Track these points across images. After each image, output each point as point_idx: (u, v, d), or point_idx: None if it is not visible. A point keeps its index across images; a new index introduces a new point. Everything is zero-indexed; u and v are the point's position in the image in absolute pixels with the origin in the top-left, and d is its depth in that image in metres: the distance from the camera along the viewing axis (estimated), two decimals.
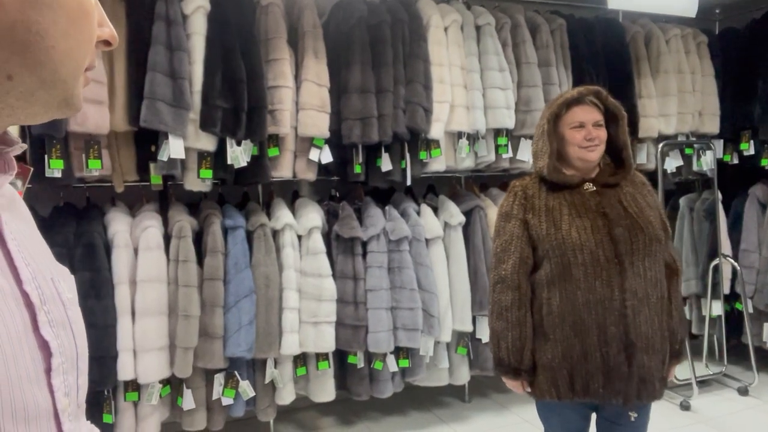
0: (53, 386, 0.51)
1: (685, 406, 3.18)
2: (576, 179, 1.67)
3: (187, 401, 2.52)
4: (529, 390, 1.71)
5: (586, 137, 1.64)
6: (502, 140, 3.03)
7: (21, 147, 0.54)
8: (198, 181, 2.52)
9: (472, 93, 2.93)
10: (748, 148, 3.55)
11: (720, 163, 3.67)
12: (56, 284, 0.57)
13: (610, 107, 1.70)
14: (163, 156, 2.39)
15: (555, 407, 1.72)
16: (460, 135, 2.96)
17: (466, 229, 2.99)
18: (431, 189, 3.26)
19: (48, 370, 0.51)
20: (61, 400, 0.52)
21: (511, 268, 1.67)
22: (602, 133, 1.67)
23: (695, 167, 3.61)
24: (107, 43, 0.56)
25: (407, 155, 2.86)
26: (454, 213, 2.95)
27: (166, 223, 2.53)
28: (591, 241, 1.57)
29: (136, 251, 2.43)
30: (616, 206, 1.62)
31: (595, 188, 1.66)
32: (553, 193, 1.68)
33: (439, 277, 2.89)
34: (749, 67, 3.51)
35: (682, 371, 3.31)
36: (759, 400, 3.26)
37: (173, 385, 2.55)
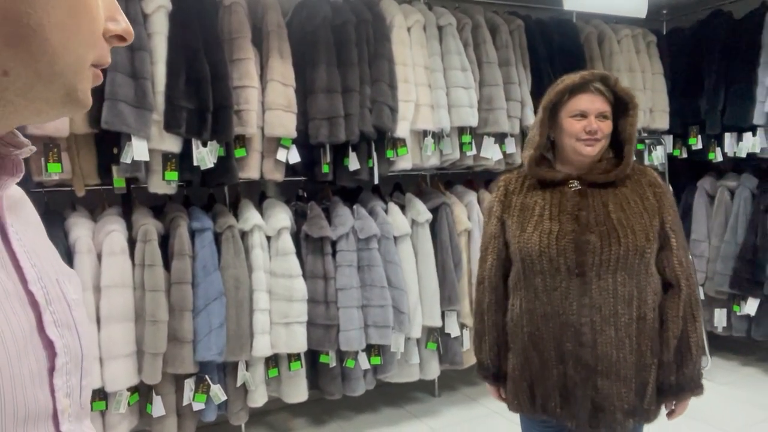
0: (55, 386, 0.51)
1: None
2: (560, 176, 1.48)
3: (157, 408, 2.47)
4: (505, 397, 1.63)
5: (586, 129, 1.43)
6: (466, 138, 3.09)
7: (30, 150, 0.53)
8: (163, 184, 2.47)
9: (436, 92, 2.98)
10: (696, 143, 3.73)
11: (670, 158, 3.84)
12: (61, 285, 0.57)
13: (620, 95, 1.46)
14: (126, 158, 2.33)
15: (533, 423, 1.60)
16: (425, 133, 3.00)
17: (433, 226, 3.04)
18: (398, 187, 3.30)
19: (51, 370, 0.51)
20: (61, 401, 0.52)
21: (489, 269, 1.59)
22: (606, 127, 1.45)
23: (647, 162, 3.76)
24: (121, 38, 0.54)
25: (374, 154, 2.88)
26: (421, 210, 2.99)
27: (129, 227, 2.48)
28: (553, 247, 1.42)
29: (99, 257, 2.37)
30: (596, 209, 1.43)
31: (579, 187, 1.47)
32: (533, 190, 1.52)
33: (408, 274, 2.93)
34: (695, 65, 3.69)
35: None
36: (712, 383, 3.42)
37: (142, 392, 2.49)
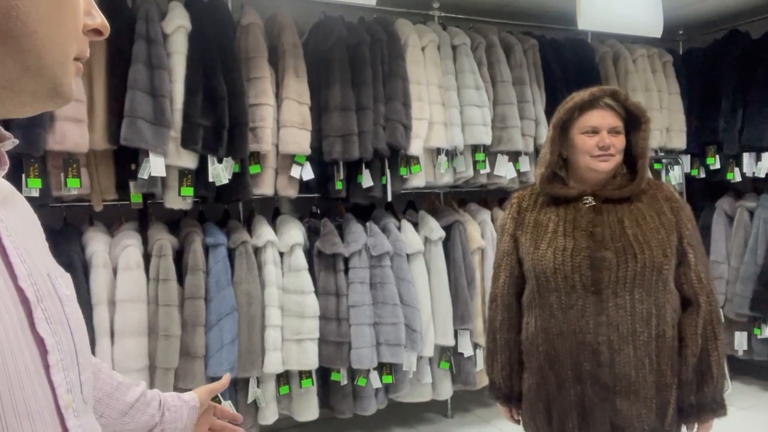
0: (54, 383, 0.51)
1: None
2: (574, 192, 1.47)
3: None
4: (518, 418, 1.61)
5: (599, 145, 1.42)
6: (480, 156, 3.10)
7: (13, 142, 0.54)
8: (179, 199, 2.50)
9: (449, 110, 2.99)
10: (714, 163, 3.68)
11: (688, 178, 3.80)
12: (53, 280, 0.56)
13: (631, 109, 1.45)
14: (143, 174, 2.37)
15: None
16: (438, 151, 3.01)
17: (446, 244, 3.03)
18: (411, 205, 3.30)
19: (47, 367, 0.51)
20: (63, 397, 0.52)
21: (501, 286, 1.57)
22: (619, 142, 1.44)
23: (664, 182, 3.73)
24: (98, 32, 0.54)
25: (387, 171, 2.89)
26: (434, 228, 2.99)
27: (145, 242, 2.51)
28: (567, 264, 1.40)
29: (114, 271, 2.40)
30: (612, 225, 1.41)
31: (594, 203, 1.45)
32: (547, 206, 1.50)
33: (421, 292, 2.91)
34: (713, 85, 3.67)
35: None
36: (733, 407, 3.31)
37: None
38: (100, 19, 0.54)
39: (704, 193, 3.88)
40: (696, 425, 1.46)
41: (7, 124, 2.03)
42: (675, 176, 3.72)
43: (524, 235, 1.52)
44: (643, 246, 1.38)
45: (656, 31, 3.38)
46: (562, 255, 1.41)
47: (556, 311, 1.43)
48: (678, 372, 1.42)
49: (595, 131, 1.44)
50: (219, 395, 2.53)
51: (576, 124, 1.47)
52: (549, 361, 1.45)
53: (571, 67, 3.44)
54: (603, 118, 1.44)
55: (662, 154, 3.72)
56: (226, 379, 1.02)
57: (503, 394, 1.59)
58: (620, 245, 1.38)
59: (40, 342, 0.51)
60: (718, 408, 1.43)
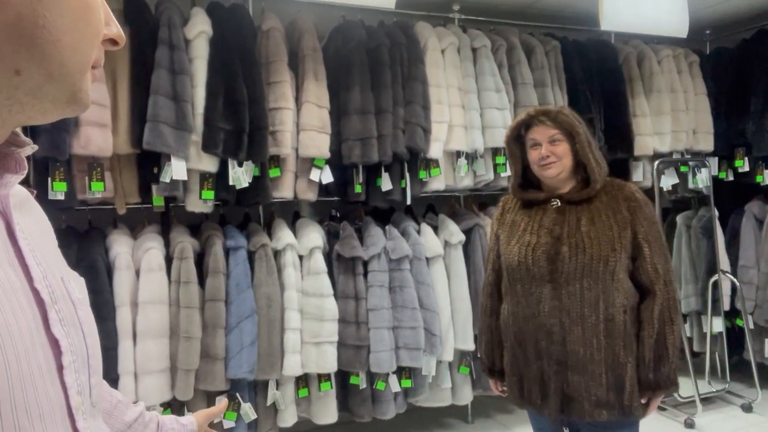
0: (66, 384, 0.52)
1: (689, 424, 3.16)
2: (542, 196, 1.70)
3: None
4: (501, 389, 1.87)
5: (539, 155, 1.66)
6: (500, 159, 3.07)
7: (32, 148, 0.55)
8: (200, 202, 2.53)
9: (469, 113, 2.97)
10: (743, 165, 3.59)
11: (715, 180, 3.71)
12: (66, 284, 0.57)
13: (562, 124, 1.65)
14: (165, 178, 2.41)
15: (532, 414, 1.82)
16: (458, 154, 2.99)
17: (466, 248, 3.01)
18: (431, 208, 3.28)
19: (60, 368, 0.52)
20: (74, 398, 0.53)
21: (487, 278, 1.87)
22: (559, 149, 1.65)
23: (691, 184, 3.65)
24: (114, 42, 0.55)
25: (407, 175, 2.88)
26: (454, 232, 2.97)
27: (167, 244, 2.54)
28: (529, 257, 1.63)
29: (137, 273, 2.43)
30: (570, 224, 1.62)
31: (559, 204, 1.67)
32: (523, 208, 1.75)
33: (441, 296, 2.89)
34: (741, 85, 3.58)
35: (685, 389, 3.29)
36: (763, 417, 3.24)
37: (174, 408, 2.52)
38: (116, 30, 0.55)
39: (733, 196, 3.79)
40: (648, 398, 1.63)
41: (34, 129, 2.08)
42: (702, 179, 3.63)
43: (503, 233, 1.77)
44: (593, 241, 1.58)
45: (682, 31, 3.32)
46: (526, 250, 1.65)
47: (521, 298, 1.68)
48: (634, 352, 1.60)
49: (537, 144, 1.68)
50: (239, 397, 2.55)
51: (526, 141, 1.72)
52: (518, 340, 1.70)
53: (594, 69, 3.39)
54: (541, 132, 1.67)
55: (689, 156, 3.65)
56: (224, 404, 1.08)
57: (487, 367, 1.88)
58: (574, 240, 1.59)
59: (54, 343, 0.51)
60: (671, 384, 1.62)
